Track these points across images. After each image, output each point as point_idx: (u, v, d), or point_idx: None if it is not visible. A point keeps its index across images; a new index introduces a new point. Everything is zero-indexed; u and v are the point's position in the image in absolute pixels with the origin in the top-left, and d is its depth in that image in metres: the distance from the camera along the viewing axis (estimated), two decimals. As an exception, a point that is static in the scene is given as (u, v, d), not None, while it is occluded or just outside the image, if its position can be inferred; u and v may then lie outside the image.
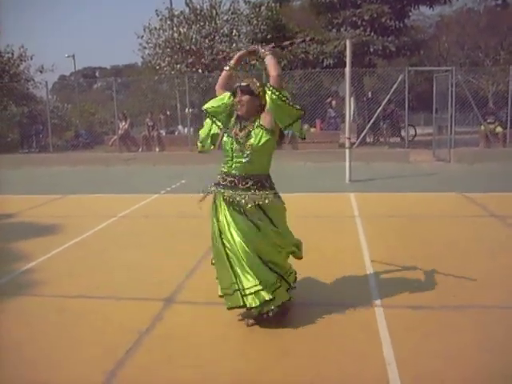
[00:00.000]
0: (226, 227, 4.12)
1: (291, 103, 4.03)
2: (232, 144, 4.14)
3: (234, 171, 4.15)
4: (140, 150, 19.38)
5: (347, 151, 12.14)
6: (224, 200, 4.15)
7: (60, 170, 16.86)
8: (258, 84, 4.20)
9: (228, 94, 4.28)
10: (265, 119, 4.10)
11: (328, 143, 17.79)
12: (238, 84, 4.20)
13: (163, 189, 11.42)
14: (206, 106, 4.39)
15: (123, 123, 19.66)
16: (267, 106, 4.04)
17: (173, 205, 9.88)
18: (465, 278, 5.21)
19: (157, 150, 19.24)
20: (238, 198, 4.07)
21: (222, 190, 4.16)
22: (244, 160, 4.10)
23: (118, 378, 3.48)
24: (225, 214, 4.15)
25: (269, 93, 4.00)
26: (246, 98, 4.13)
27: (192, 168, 15.44)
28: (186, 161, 16.55)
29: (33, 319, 4.57)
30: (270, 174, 4.29)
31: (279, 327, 4.15)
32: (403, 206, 9.24)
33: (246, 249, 4.03)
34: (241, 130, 4.15)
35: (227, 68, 4.44)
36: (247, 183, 4.11)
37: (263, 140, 4.07)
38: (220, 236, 4.16)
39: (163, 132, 20.78)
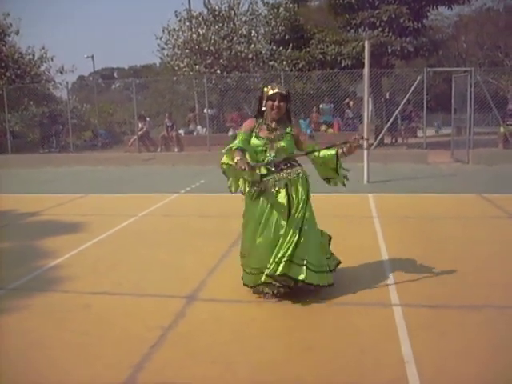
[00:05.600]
0: None
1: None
2: (265, 144, 4.74)
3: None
4: (159, 150, 19.54)
5: (365, 152, 12.18)
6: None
7: (80, 169, 17.08)
8: (286, 89, 4.83)
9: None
10: (297, 133, 4.84)
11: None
12: (276, 91, 4.70)
13: (183, 188, 11.55)
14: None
15: (142, 124, 19.84)
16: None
17: (193, 204, 10.00)
18: (481, 278, 5.28)
19: (176, 150, 19.39)
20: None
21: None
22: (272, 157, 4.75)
23: (143, 372, 3.59)
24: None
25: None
26: (282, 105, 4.72)
27: (211, 168, 15.53)
28: (205, 161, 16.67)
29: (59, 315, 4.70)
30: None
31: (300, 325, 4.27)
32: (421, 207, 9.27)
33: None
34: (270, 132, 4.77)
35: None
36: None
37: (291, 145, 4.83)
38: None
39: (182, 132, 20.95)
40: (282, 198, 4.66)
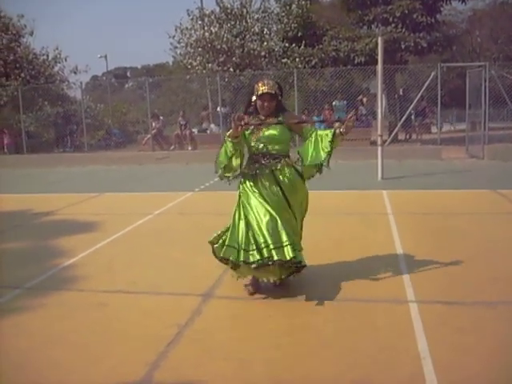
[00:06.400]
0: None
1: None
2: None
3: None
4: (172, 148, 19.58)
5: (379, 148, 12.13)
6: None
7: (95, 168, 17.16)
8: (277, 86, 4.78)
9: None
10: (289, 119, 4.85)
11: (359, 141, 17.77)
12: (265, 91, 4.70)
13: (197, 186, 11.56)
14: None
15: (155, 122, 19.89)
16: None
17: (207, 202, 10.02)
18: (496, 274, 5.25)
19: (189, 148, 19.43)
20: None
21: None
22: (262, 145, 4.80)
23: (160, 369, 3.60)
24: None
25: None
26: (271, 104, 4.76)
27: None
28: (219, 159, 16.65)
29: (75, 313, 4.73)
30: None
31: (315, 322, 4.27)
32: (436, 203, 9.22)
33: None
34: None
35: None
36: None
37: (283, 133, 4.80)
38: None
39: (195, 130, 20.98)
40: (271, 185, 4.75)
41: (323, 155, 4.67)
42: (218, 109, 19.95)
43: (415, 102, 17.30)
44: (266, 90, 4.69)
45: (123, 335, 4.20)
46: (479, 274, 5.28)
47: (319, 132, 4.81)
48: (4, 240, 7.63)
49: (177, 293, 5.12)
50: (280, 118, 4.79)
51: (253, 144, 4.80)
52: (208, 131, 21.36)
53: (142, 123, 24.92)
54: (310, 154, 4.76)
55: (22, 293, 5.32)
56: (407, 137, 20.40)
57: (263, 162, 4.79)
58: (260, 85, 4.74)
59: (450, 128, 27.92)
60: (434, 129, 21.10)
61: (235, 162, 4.80)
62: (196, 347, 3.91)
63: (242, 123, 4.58)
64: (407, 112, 17.09)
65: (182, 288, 5.24)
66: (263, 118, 4.81)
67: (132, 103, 32.07)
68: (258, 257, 4.53)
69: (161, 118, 20.58)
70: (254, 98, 4.81)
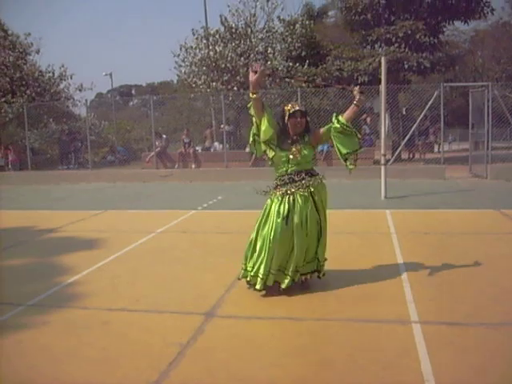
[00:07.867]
0: None
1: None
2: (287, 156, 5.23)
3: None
4: (176, 166, 19.65)
5: (382, 168, 12.16)
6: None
7: (98, 185, 17.21)
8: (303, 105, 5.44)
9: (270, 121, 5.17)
10: (314, 137, 5.36)
11: (363, 160, 17.80)
12: (296, 108, 5.21)
13: (200, 205, 11.58)
14: (264, 139, 5.21)
15: (158, 141, 19.98)
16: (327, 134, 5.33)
17: (210, 220, 10.02)
18: (500, 295, 5.23)
19: (193, 166, 19.49)
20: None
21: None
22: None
23: (162, 389, 3.60)
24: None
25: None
26: (303, 120, 5.24)
27: (228, 184, 15.68)
28: (222, 177, 16.73)
29: (78, 331, 4.71)
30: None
31: (319, 342, 4.26)
32: (439, 222, 9.22)
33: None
34: (292, 144, 5.24)
35: (254, 96, 5.11)
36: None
37: (311, 152, 5.31)
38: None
39: (199, 149, 21.06)
40: (309, 205, 5.20)
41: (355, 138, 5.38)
42: (222, 127, 20.04)
43: (418, 121, 17.37)
44: (297, 108, 5.20)
45: (125, 353, 4.19)
46: (482, 293, 5.27)
47: (333, 127, 5.28)
48: (8, 256, 7.65)
49: (179, 311, 5.12)
50: (306, 139, 5.29)
51: (284, 167, 5.27)
52: (212, 149, 21.44)
53: (146, 141, 25.03)
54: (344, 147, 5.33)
55: (25, 310, 5.31)
56: (410, 156, 20.44)
57: (296, 180, 5.24)
58: (289, 106, 5.24)
59: (447, 148, 27.96)
60: (436, 148, 21.12)
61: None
62: (198, 366, 3.91)
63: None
64: (410, 131, 17.15)
65: (184, 306, 5.24)
66: (294, 137, 5.24)
67: (136, 121, 32.24)
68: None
69: (164, 136, 20.67)
70: (286, 119, 5.22)
